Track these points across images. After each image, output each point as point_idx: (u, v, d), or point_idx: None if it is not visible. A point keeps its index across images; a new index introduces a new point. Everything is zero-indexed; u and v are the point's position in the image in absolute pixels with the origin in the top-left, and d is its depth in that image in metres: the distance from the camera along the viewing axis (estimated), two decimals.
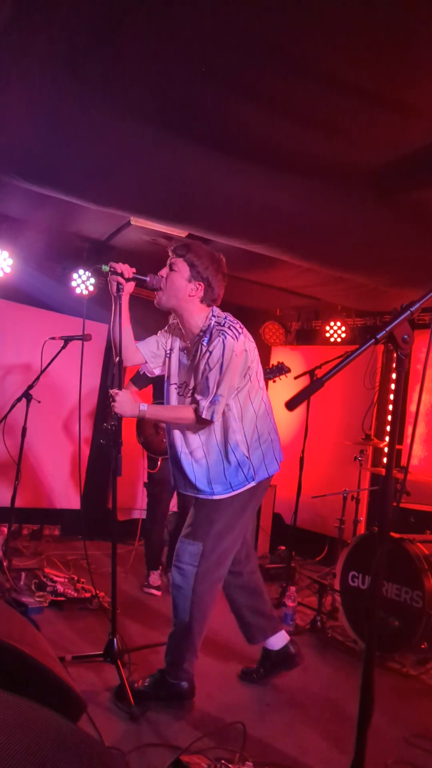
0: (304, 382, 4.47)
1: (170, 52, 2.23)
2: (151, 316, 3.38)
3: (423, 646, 3.40)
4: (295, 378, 4.66)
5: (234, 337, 2.65)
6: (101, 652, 2.85)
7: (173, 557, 2.78)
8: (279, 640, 3.07)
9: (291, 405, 1.44)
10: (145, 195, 3.27)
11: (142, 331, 3.00)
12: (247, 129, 2.72)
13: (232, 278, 5.17)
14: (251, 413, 2.78)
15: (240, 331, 2.70)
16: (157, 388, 4.56)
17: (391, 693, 3.11)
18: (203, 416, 2.62)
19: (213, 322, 2.73)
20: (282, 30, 2.03)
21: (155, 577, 4.40)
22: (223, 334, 2.65)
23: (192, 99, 2.55)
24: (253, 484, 2.76)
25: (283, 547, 5.48)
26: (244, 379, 2.74)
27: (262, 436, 2.82)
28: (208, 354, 2.65)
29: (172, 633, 2.77)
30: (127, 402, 2.71)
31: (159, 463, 4.42)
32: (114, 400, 2.70)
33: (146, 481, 4.53)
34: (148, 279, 2.75)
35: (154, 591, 4.32)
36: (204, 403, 2.63)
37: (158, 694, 2.71)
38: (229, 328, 2.68)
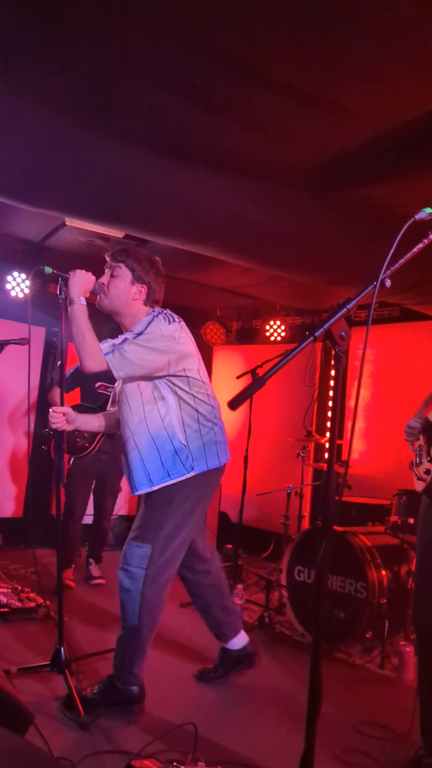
0: (245, 381, 4.51)
1: (105, 51, 2.21)
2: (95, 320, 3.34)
3: (368, 636, 3.48)
4: (237, 377, 4.69)
5: (166, 320, 2.70)
6: (48, 663, 2.80)
7: (121, 560, 2.76)
8: (241, 639, 3.11)
9: (233, 404, 1.45)
10: (79, 195, 3.22)
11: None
12: (182, 128, 2.72)
13: (172, 279, 5.13)
14: (191, 405, 2.77)
15: (175, 319, 2.74)
16: (84, 390, 4.51)
17: (338, 683, 3.17)
18: (105, 353, 2.59)
19: (154, 313, 2.75)
20: (217, 30, 2.04)
21: (69, 573, 4.51)
22: (155, 315, 2.71)
23: (126, 98, 2.53)
24: (192, 473, 2.73)
25: (229, 546, 5.51)
26: (178, 369, 2.72)
27: (203, 429, 2.80)
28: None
29: (120, 637, 2.74)
30: (81, 281, 2.65)
31: (71, 461, 4.48)
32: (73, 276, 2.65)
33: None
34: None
35: (69, 582, 4.46)
36: (106, 345, 2.61)
37: (108, 701, 2.68)
38: (164, 313, 2.74)
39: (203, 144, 2.82)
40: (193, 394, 2.78)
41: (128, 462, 2.79)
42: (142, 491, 2.77)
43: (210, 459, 2.80)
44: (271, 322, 6.23)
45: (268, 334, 6.25)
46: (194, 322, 6.57)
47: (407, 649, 3.28)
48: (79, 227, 4.14)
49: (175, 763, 2.13)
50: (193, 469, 2.74)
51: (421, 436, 2.58)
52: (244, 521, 4.64)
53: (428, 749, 2.40)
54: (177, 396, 2.75)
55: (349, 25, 1.95)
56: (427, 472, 2.47)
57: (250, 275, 4.80)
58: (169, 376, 2.73)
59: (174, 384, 2.75)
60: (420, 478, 2.53)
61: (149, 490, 2.75)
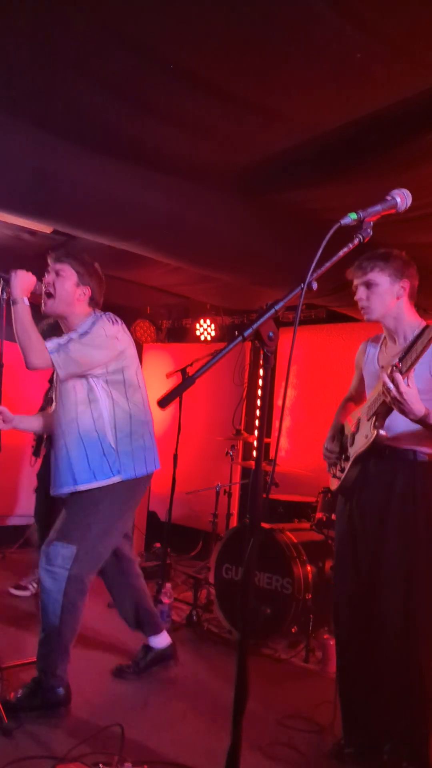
0: (175, 380, 4.51)
1: (37, 44, 2.16)
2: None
3: (293, 630, 3.56)
4: (167, 376, 4.68)
5: (110, 321, 2.78)
6: None
7: (42, 560, 2.70)
8: (164, 638, 3.15)
9: (163, 402, 1.45)
10: (4, 188, 3.13)
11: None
12: (114, 126, 2.69)
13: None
14: (125, 409, 2.80)
15: (118, 321, 2.83)
16: None
17: (264, 678, 3.22)
18: (50, 352, 2.61)
19: (97, 315, 2.83)
20: (151, 31, 2.03)
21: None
22: (99, 317, 2.79)
23: (57, 93, 2.48)
24: (118, 478, 2.74)
25: (158, 545, 5.49)
26: (116, 370, 2.77)
27: (134, 435, 2.82)
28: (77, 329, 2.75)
29: (42, 639, 2.69)
30: (23, 281, 2.66)
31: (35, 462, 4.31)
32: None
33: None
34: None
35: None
36: (52, 345, 2.63)
37: (32, 705, 2.62)
38: (106, 314, 2.83)
39: (132, 141, 2.81)
40: (127, 398, 2.80)
41: (56, 460, 2.78)
42: (65, 490, 2.75)
43: (138, 466, 2.82)
44: (202, 321, 6.25)
45: (198, 333, 6.27)
46: (124, 319, 6.39)
47: (331, 643, 3.36)
48: (6, 221, 4.02)
49: (101, 766, 2.11)
50: (119, 473, 2.75)
51: (335, 440, 2.66)
52: (173, 520, 4.64)
53: (349, 738, 2.48)
54: (111, 399, 2.77)
55: (278, 33, 1.98)
56: (342, 470, 2.54)
57: (180, 274, 4.80)
58: (107, 374, 2.75)
59: (110, 386, 2.77)
60: (335, 476, 2.61)
61: (72, 490, 2.73)
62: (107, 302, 2.98)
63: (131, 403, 2.82)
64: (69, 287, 2.77)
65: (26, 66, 2.32)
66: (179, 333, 6.75)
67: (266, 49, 2.07)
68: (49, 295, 2.77)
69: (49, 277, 2.79)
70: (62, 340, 2.68)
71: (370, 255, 2.45)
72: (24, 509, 4.89)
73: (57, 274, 2.79)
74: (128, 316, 6.51)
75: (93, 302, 2.86)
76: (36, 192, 3.15)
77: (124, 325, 2.87)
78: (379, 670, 2.39)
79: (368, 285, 2.43)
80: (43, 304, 2.78)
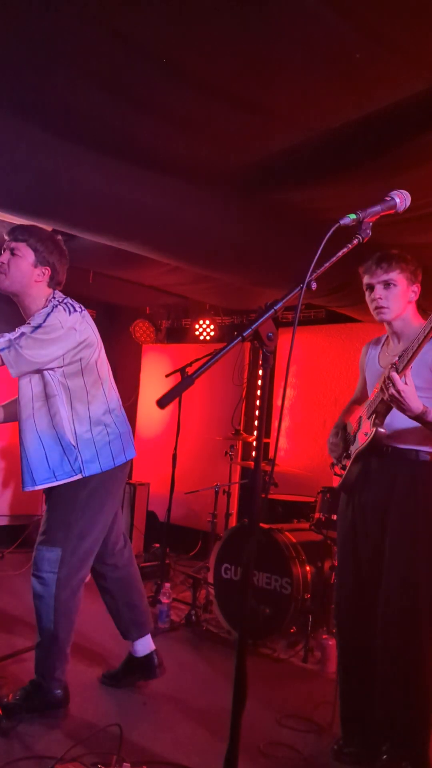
0: (174, 380, 4.50)
1: (35, 47, 2.16)
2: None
3: (292, 630, 3.56)
4: (166, 376, 4.68)
5: (66, 310, 2.56)
6: None
7: (32, 566, 2.66)
8: (144, 647, 2.97)
9: (162, 403, 1.44)
10: (6, 188, 3.13)
11: None
12: (113, 126, 2.69)
13: (101, 275, 5.05)
14: (84, 403, 2.65)
15: (76, 309, 2.61)
16: None
17: (263, 678, 3.21)
18: (0, 349, 2.44)
19: (53, 303, 2.62)
20: (148, 30, 2.03)
21: None
22: (54, 306, 2.57)
23: (56, 92, 2.48)
24: (78, 476, 2.62)
25: (157, 545, 5.49)
26: (73, 362, 2.60)
27: (95, 429, 2.66)
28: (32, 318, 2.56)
29: (38, 644, 2.67)
30: None
31: None
32: None
33: None
34: None
35: None
36: (3, 341, 2.46)
37: (30, 706, 2.61)
38: (64, 302, 2.60)
39: (131, 141, 2.80)
40: (87, 390, 2.65)
41: (21, 456, 2.66)
42: (28, 488, 2.65)
43: (104, 460, 2.67)
44: (201, 321, 6.25)
45: (197, 333, 6.26)
46: (124, 319, 6.51)
47: (330, 643, 3.36)
48: (5, 220, 4.02)
49: (99, 766, 2.11)
50: (80, 472, 2.62)
51: (339, 437, 2.66)
52: (172, 520, 4.64)
53: (348, 739, 2.48)
54: (68, 394, 2.62)
55: (277, 33, 1.98)
56: (344, 467, 2.55)
57: (179, 274, 4.79)
58: (64, 367, 2.59)
59: (67, 380, 2.61)
60: (338, 475, 2.61)
61: (32, 489, 2.64)
62: (106, 302, 2.94)
63: (91, 395, 2.65)
64: (25, 267, 2.58)
65: (25, 66, 2.32)
66: (178, 333, 6.74)
67: (265, 48, 2.07)
68: (4, 275, 2.58)
69: (3, 256, 2.60)
70: (14, 334, 2.48)
71: (385, 255, 2.44)
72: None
73: (12, 252, 2.59)
74: (128, 317, 6.52)
75: (54, 282, 2.66)
76: (35, 192, 3.14)
77: (84, 311, 2.65)
78: (379, 670, 2.39)
79: (387, 285, 2.42)
80: None
